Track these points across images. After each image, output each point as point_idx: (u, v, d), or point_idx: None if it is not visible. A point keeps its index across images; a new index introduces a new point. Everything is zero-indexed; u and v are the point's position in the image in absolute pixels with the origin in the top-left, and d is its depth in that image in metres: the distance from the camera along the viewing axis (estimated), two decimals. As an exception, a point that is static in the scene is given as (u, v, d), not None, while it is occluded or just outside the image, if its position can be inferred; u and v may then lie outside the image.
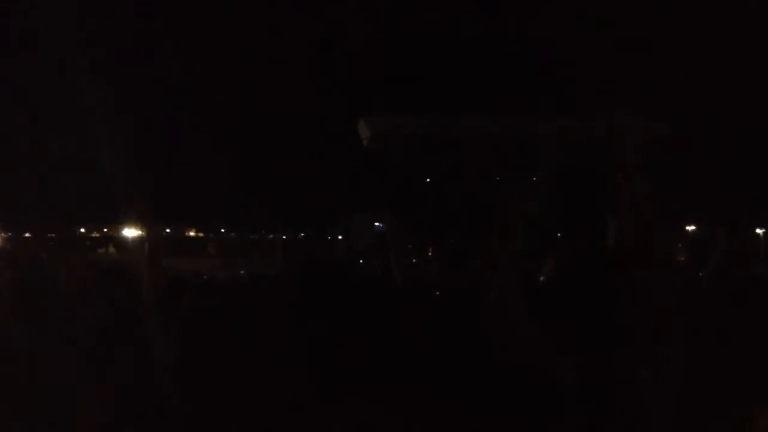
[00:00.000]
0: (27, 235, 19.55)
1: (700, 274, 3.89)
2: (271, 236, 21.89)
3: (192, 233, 28.28)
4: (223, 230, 27.73)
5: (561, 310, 3.61)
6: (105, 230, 21.98)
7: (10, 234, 18.49)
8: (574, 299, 3.66)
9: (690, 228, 14.51)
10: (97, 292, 3.73)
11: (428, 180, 8.21)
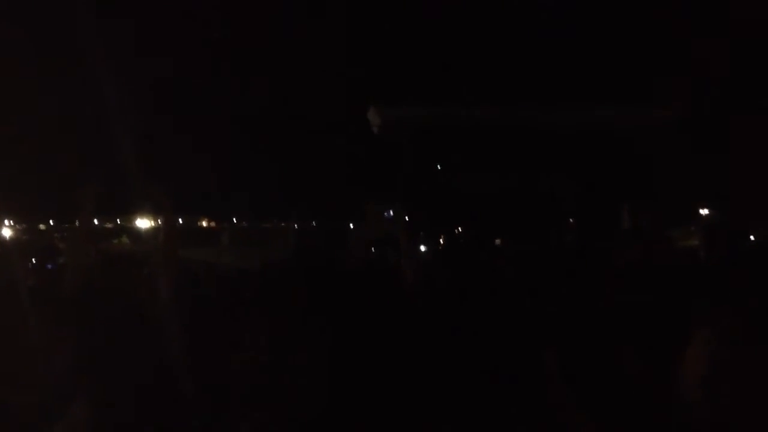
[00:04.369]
0: (41, 226, 19.72)
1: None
2: (283, 225, 21.95)
3: (204, 223, 28.40)
4: (235, 220, 27.83)
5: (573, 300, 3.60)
6: (118, 221, 22.12)
7: (25, 225, 18.65)
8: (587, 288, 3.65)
9: (704, 212, 14.37)
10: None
11: (438, 168, 8.20)
